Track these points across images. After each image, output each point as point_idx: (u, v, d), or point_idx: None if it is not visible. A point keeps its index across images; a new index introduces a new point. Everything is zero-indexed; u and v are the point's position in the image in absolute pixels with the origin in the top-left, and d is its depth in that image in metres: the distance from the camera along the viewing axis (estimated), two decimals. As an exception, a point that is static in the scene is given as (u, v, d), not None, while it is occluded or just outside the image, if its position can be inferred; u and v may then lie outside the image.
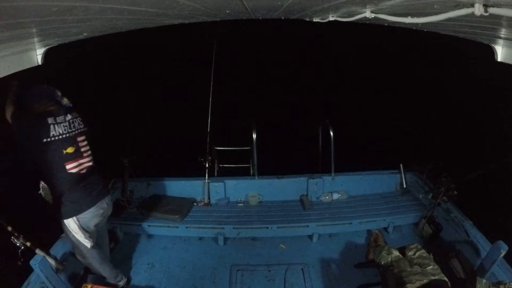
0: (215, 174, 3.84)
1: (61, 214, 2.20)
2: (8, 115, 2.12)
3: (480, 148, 5.36)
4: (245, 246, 3.33)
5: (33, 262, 2.28)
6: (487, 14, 0.68)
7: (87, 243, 2.30)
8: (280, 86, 9.65)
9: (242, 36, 8.96)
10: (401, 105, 7.92)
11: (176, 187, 3.78)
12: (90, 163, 2.29)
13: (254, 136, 3.54)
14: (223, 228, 3.34)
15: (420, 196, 3.59)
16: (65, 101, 2.23)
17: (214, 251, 3.26)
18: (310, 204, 3.61)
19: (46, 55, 1.90)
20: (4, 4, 0.69)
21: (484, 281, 2.11)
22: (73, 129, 2.20)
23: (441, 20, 0.87)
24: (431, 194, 3.26)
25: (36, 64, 1.87)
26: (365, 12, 1.37)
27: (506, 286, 1.98)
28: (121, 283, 2.70)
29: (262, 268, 3.02)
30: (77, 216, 2.21)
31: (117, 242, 3.23)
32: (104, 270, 2.56)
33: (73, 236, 2.27)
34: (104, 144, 3.11)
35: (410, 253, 2.43)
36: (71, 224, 2.22)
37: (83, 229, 2.26)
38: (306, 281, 2.86)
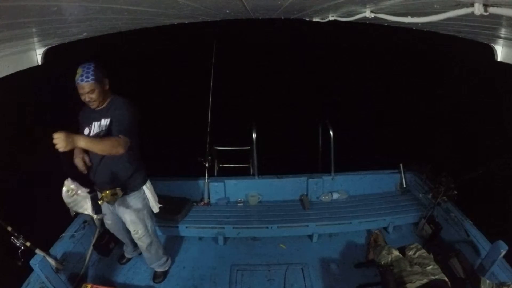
0: (215, 174, 3.84)
1: (141, 182, 2.41)
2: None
3: (480, 147, 5.36)
4: (245, 246, 3.33)
5: (33, 262, 2.28)
6: (487, 13, 0.68)
7: (156, 207, 2.53)
8: (280, 86, 9.64)
9: (242, 36, 8.96)
10: (401, 105, 7.91)
11: (176, 187, 3.77)
12: None
13: (254, 135, 3.54)
14: (223, 228, 3.34)
15: (420, 195, 3.59)
16: None
17: (214, 251, 3.26)
18: (310, 204, 3.61)
19: (46, 55, 1.90)
20: (4, 4, 0.69)
21: (488, 281, 2.09)
22: None
23: (441, 20, 0.87)
24: (431, 194, 3.25)
25: (36, 64, 1.87)
26: (365, 12, 1.37)
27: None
28: (169, 262, 2.96)
29: (262, 268, 3.02)
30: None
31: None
32: (160, 246, 2.82)
33: (146, 204, 2.47)
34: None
35: (410, 253, 2.43)
36: (148, 185, 2.46)
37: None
38: (306, 281, 2.86)
